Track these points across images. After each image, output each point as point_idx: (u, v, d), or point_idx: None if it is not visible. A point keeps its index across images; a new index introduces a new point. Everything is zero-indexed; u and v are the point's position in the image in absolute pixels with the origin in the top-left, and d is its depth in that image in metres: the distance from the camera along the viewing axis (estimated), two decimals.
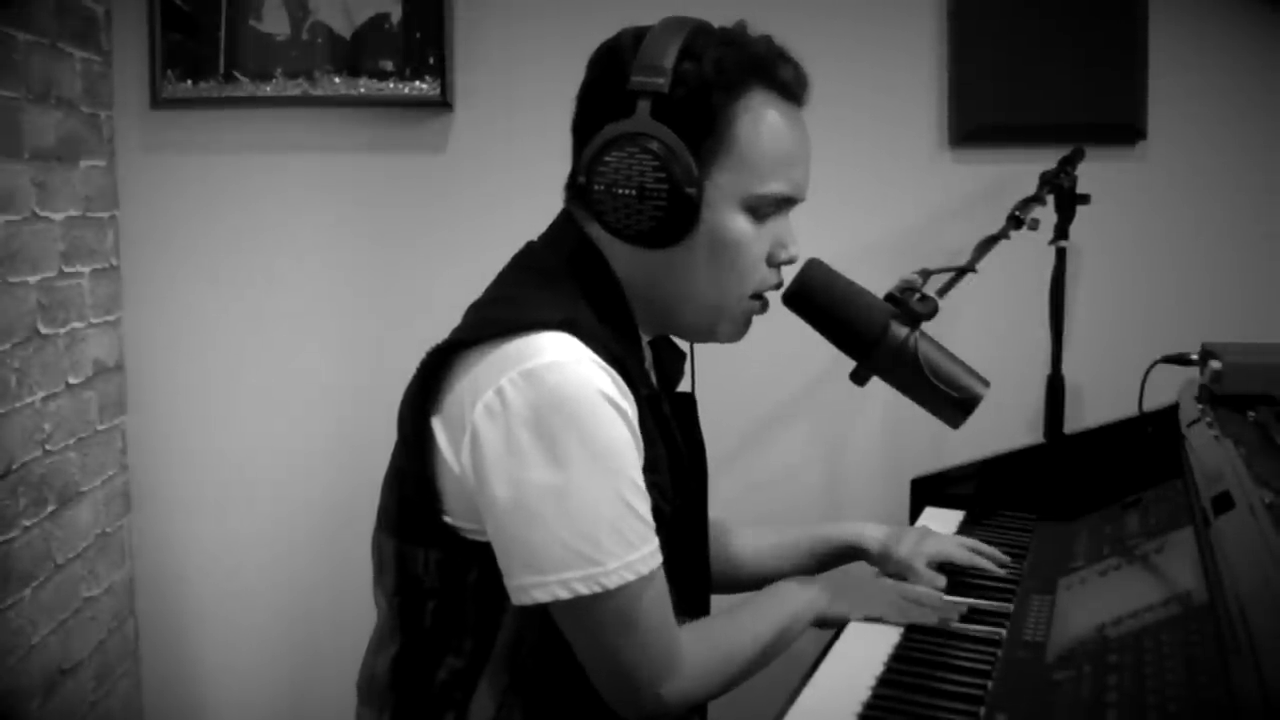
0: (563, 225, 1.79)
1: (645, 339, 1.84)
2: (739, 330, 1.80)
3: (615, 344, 1.64)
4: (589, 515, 1.53)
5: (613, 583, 1.54)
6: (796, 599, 1.91)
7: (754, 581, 2.09)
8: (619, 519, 1.55)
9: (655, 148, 1.62)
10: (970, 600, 2.03)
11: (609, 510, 1.55)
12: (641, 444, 1.62)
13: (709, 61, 1.65)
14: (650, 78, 1.64)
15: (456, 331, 1.69)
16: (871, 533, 2.22)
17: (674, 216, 1.64)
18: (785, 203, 1.74)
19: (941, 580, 2.09)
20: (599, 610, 1.56)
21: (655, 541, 1.60)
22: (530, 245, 1.81)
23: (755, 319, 1.81)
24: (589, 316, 1.66)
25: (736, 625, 1.82)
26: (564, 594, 1.53)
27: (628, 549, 1.55)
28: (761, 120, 1.68)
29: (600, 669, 1.63)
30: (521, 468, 1.53)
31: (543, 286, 1.71)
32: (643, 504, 1.59)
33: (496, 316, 1.65)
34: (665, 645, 1.64)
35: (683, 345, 1.96)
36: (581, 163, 1.67)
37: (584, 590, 1.53)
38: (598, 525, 1.54)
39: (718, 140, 1.67)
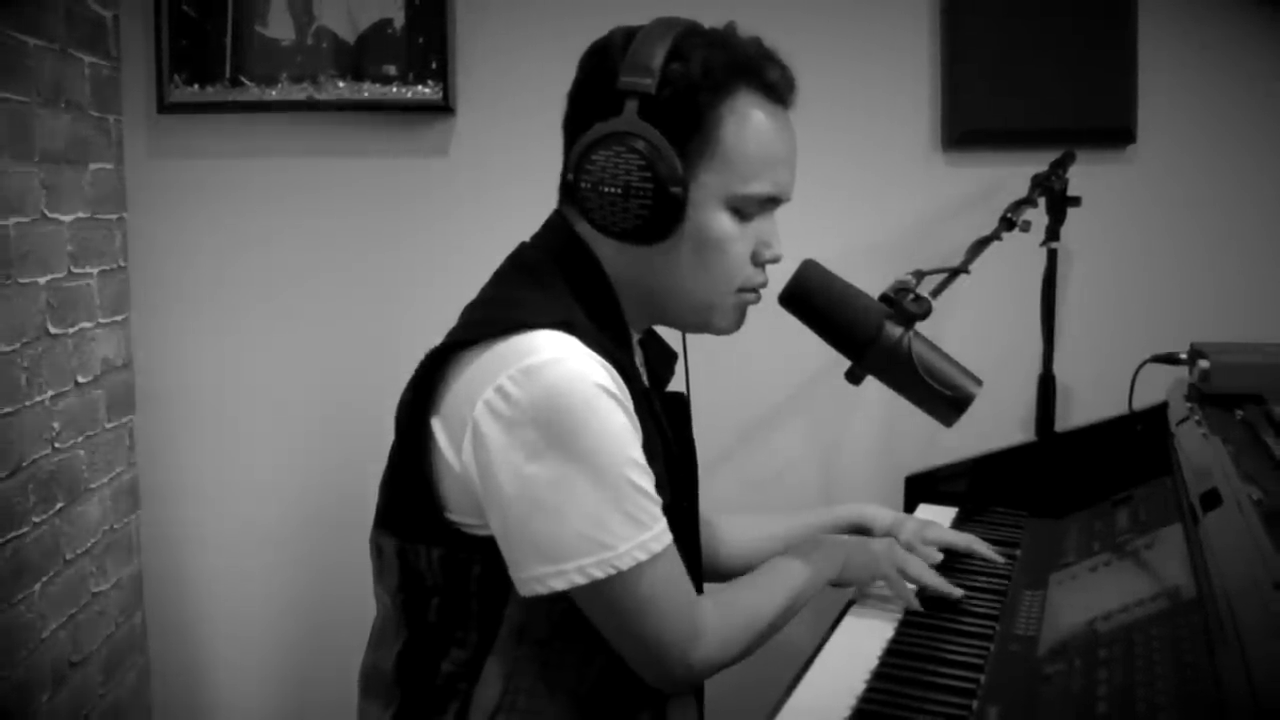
0: (553, 224, 1.81)
1: (635, 337, 1.86)
2: (734, 321, 1.81)
3: (608, 341, 1.68)
4: (597, 502, 1.56)
5: (626, 564, 1.57)
6: (810, 564, 1.93)
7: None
8: (627, 502, 1.58)
9: (641, 147, 1.64)
10: (967, 579, 2.07)
11: (616, 495, 1.57)
12: (640, 431, 1.64)
13: (696, 62, 1.67)
14: (638, 78, 1.65)
15: (452, 333, 1.71)
16: (876, 515, 2.27)
17: (659, 215, 1.66)
18: (769, 203, 1.76)
19: (939, 556, 2.12)
20: (618, 591, 1.59)
21: (664, 520, 1.63)
22: (523, 245, 1.83)
23: (753, 319, 1.83)
24: (581, 315, 1.69)
25: (756, 588, 1.86)
26: (581, 580, 1.56)
27: (639, 529, 1.59)
28: (747, 121, 1.70)
29: (627, 645, 1.66)
30: (527, 462, 1.55)
31: (535, 286, 1.74)
32: (648, 483, 1.62)
33: (492, 317, 1.67)
34: (687, 615, 1.67)
35: (675, 346, 1.98)
36: (570, 160, 1.70)
37: (600, 574, 1.56)
38: (607, 511, 1.56)
39: (703, 140, 1.69)
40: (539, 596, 1.59)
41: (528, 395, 1.55)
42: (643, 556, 1.59)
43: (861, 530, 2.26)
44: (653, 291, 1.77)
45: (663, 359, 1.98)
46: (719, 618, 1.73)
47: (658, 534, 1.61)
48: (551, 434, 1.55)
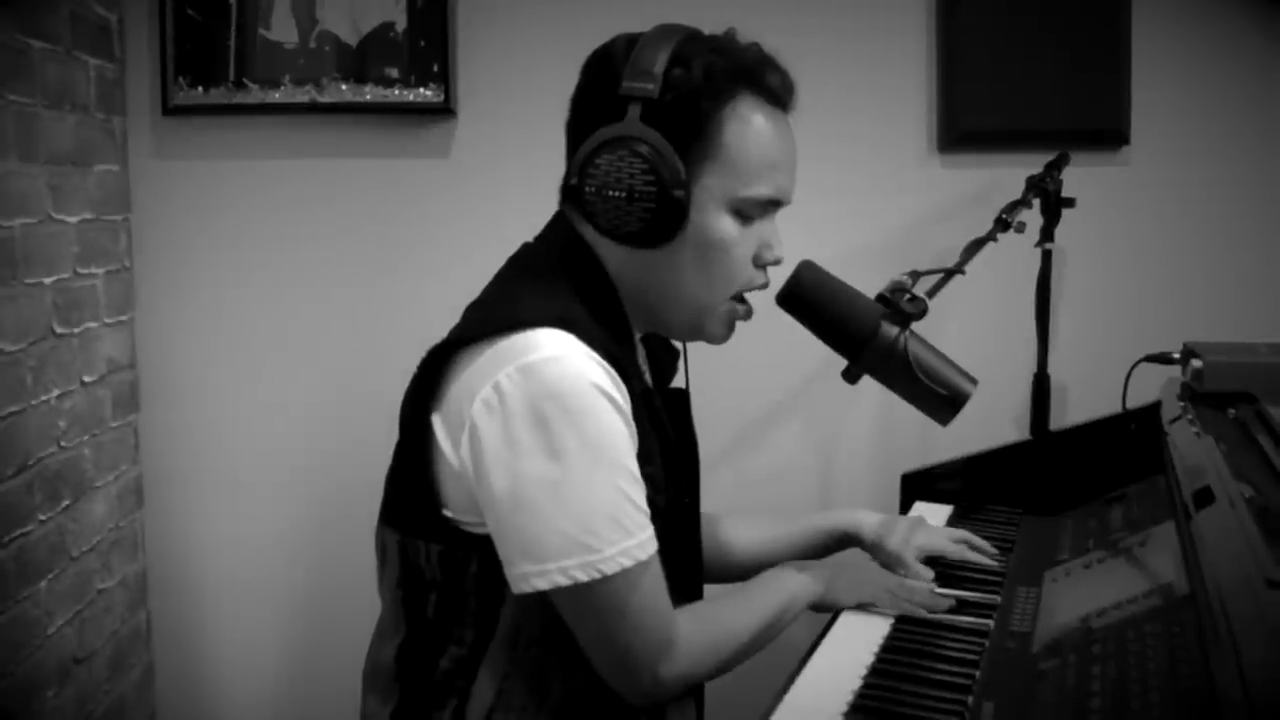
0: (556, 226, 1.82)
1: (638, 335, 1.87)
2: (724, 331, 1.82)
3: (609, 340, 1.67)
4: (586, 504, 1.56)
5: (610, 569, 1.57)
6: (792, 584, 1.93)
7: (749, 571, 2.08)
8: (615, 507, 1.58)
9: (644, 151, 1.65)
10: (958, 593, 2.06)
11: (605, 499, 1.57)
12: (636, 435, 1.65)
13: (698, 68, 1.68)
14: (641, 83, 1.67)
15: (455, 330, 1.72)
16: (866, 520, 2.25)
17: (662, 218, 1.67)
18: (771, 205, 1.77)
19: (929, 574, 2.12)
20: (598, 596, 1.59)
21: (650, 529, 1.63)
22: (526, 246, 1.84)
23: (751, 319, 1.84)
24: (583, 313, 1.69)
25: (733, 609, 1.84)
26: (564, 581, 1.56)
27: (625, 536, 1.58)
28: (748, 125, 1.72)
29: (600, 652, 1.66)
30: (519, 460, 1.56)
31: (537, 285, 1.74)
32: (638, 492, 1.62)
33: (493, 315, 1.68)
34: (662, 628, 1.66)
35: (676, 343, 1.99)
36: (574, 165, 1.71)
37: (583, 577, 1.56)
38: (595, 514, 1.56)
39: (705, 144, 1.70)
40: (534, 596, 1.60)
41: (523, 393, 1.56)
42: (627, 563, 1.59)
43: (851, 535, 2.26)
44: (653, 294, 1.78)
45: (666, 356, 1.99)
46: (693, 634, 1.72)
47: (643, 542, 1.61)
48: (545, 433, 1.56)
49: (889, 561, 2.15)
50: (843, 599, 2.01)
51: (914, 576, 2.10)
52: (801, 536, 2.28)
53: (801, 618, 1.95)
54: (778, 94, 1.76)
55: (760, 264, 1.80)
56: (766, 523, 2.32)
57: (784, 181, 1.77)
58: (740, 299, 1.81)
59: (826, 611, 2.01)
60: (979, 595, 2.06)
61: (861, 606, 2.01)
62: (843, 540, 2.27)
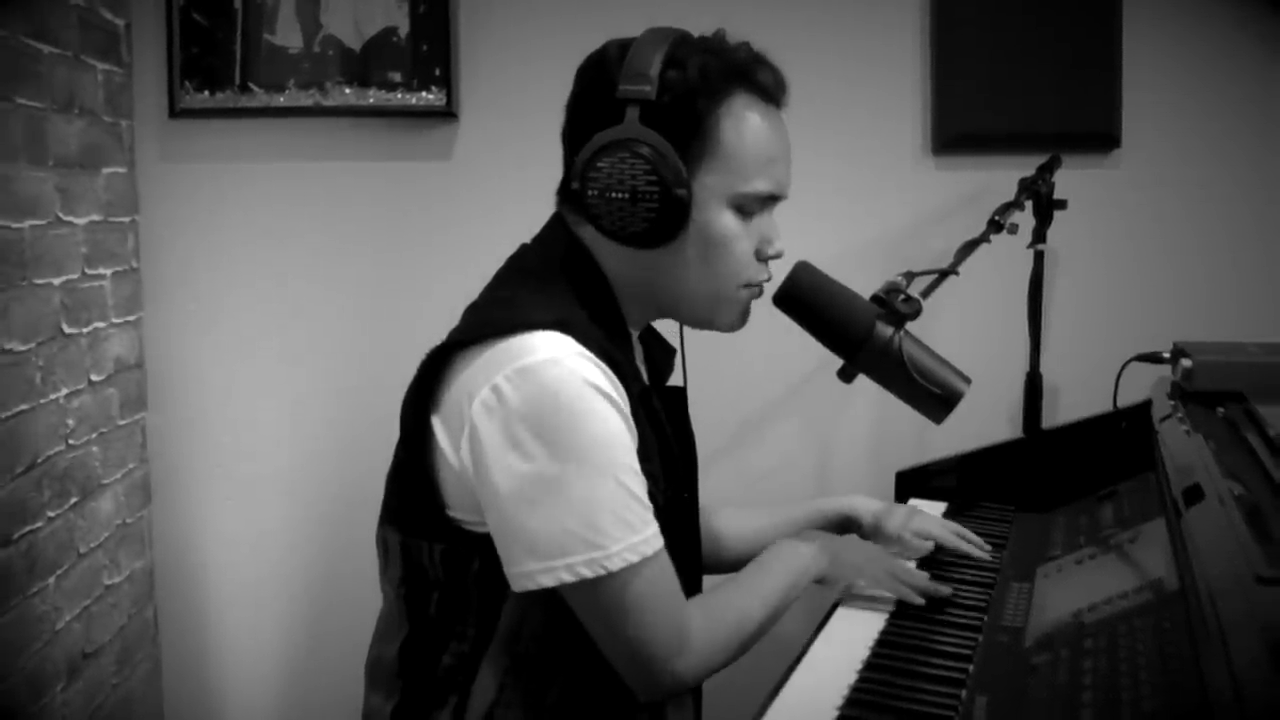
0: (553, 228, 1.83)
1: (634, 334, 1.87)
2: (739, 317, 1.83)
3: (606, 341, 1.67)
4: (589, 501, 1.56)
5: (616, 565, 1.57)
6: (800, 561, 1.93)
7: (746, 561, 2.03)
8: (618, 503, 1.58)
9: (645, 152, 1.66)
10: (956, 572, 2.10)
11: (608, 496, 1.58)
12: (635, 433, 1.65)
13: (693, 68, 1.69)
14: (638, 85, 1.68)
15: (454, 332, 1.73)
16: (864, 505, 2.28)
17: (665, 217, 1.68)
18: (770, 200, 1.78)
19: (929, 545, 2.15)
20: (606, 592, 1.59)
21: (655, 524, 1.63)
22: (524, 248, 1.85)
23: (751, 317, 1.85)
24: (580, 315, 1.70)
25: (742, 592, 1.84)
26: (568, 577, 1.57)
27: (629, 531, 1.59)
28: (744, 122, 1.73)
29: (615, 650, 1.66)
30: (520, 460, 1.56)
31: (536, 287, 1.75)
32: (640, 488, 1.62)
33: (492, 317, 1.69)
34: (675, 622, 1.66)
35: (673, 342, 2.00)
36: (574, 169, 1.71)
37: (588, 573, 1.57)
38: (598, 510, 1.57)
39: (704, 143, 1.70)
40: (536, 595, 1.60)
41: (522, 395, 1.57)
42: (633, 559, 1.59)
43: (850, 521, 2.29)
44: (660, 293, 1.80)
45: (663, 355, 2.00)
46: (706, 626, 1.72)
47: (649, 538, 1.61)
48: (545, 433, 1.56)
49: (888, 544, 2.18)
50: (847, 575, 2.03)
51: (912, 551, 2.14)
52: (799, 522, 2.29)
53: (799, 612, 1.96)
54: (771, 91, 1.78)
55: (762, 258, 1.81)
56: (763, 512, 2.33)
57: (782, 176, 1.79)
58: (750, 284, 1.82)
59: (829, 585, 2.03)
60: (973, 591, 2.08)
61: (858, 596, 2.04)
62: (841, 525, 2.29)
